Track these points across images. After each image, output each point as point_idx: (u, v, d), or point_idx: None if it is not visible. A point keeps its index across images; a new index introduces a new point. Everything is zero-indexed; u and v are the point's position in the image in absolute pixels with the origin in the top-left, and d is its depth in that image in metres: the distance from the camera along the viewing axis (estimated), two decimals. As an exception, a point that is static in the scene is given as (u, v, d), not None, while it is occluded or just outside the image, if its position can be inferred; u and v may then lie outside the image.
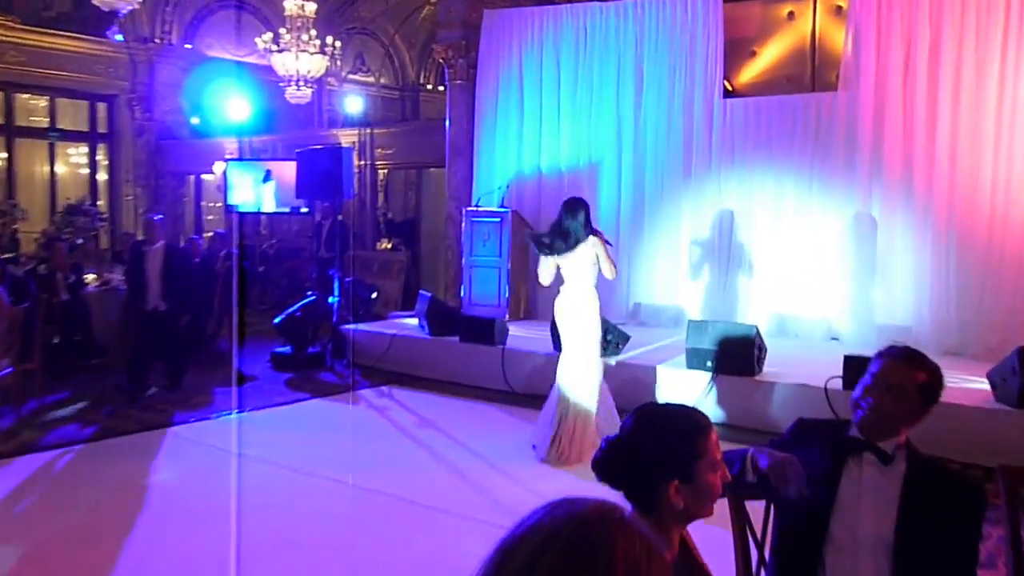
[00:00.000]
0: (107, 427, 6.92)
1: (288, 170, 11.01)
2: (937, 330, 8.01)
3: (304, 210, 12.70)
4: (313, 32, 14.18)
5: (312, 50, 14.12)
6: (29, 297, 7.59)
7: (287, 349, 9.56)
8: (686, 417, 1.93)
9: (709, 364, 6.97)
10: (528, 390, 7.89)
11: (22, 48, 14.92)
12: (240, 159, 14.73)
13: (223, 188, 13.94)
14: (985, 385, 6.21)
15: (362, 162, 14.33)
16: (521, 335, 8.82)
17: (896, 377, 2.42)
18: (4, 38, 14.70)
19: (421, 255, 14.40)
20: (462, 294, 10.34)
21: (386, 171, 15.12)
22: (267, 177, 12.69)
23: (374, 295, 11.82)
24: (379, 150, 14.46)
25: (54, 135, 16.11)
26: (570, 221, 6.05)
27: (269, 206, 12.86)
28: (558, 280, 6.26)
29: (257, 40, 14.36)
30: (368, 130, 14.59)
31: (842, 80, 8.61)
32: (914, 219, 8.22)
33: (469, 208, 10.36)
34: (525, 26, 10.51)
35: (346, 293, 9.67)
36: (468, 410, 7.65)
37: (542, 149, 10.49)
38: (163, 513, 5.08)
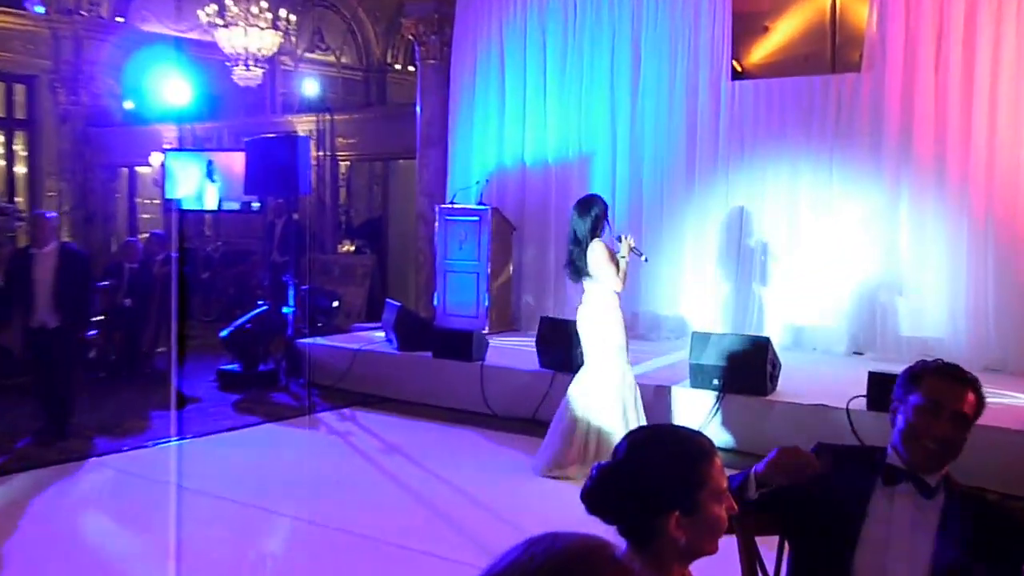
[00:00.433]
0: (21, 457, 6.85)
1: (236, 162, 10.97)
2: (974, 343, 8.09)
3: (255, 204, 12.64)
4: (264, 4, 14.15)
5: (263, 25, 14.09)
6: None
7: (235, 366, 9.52)
8: (687, 441, 1.93)
9: (715, 382, 7.00)
10: (511, 412, 7.89)
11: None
12: (181, 149, 14.66)
13: (161, 182, 13.86)
14: (1028, 405, 6.27)
15: (321, 153, 14.29)
16: (503, 350, 8.81)
17: (957, 401, 2.43)
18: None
19: (388, 259, 14.36)
20: (435, 303, 10.35)
21: (348, 163, 15.08)
22: (210, 170, 12.64)
23: (335, 304, 11.78)
24: (340, 139, 14.45)
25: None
26: (578, 223, 6.24)
27: (214, 203, 12.80)
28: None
29: (200, 13, 14.31)
30: (327, 116, 14.56)
31: (866, 59, 8.68)
32: (948, 216, 8.30)
33: (443, 205, 10.36)
34: (507, -2, 10.55)
35: (302, 302, 9.64)
36: (442, 435, 7.64)
37: (526, 139, 10.52)
38: (90, 557, 5.03)
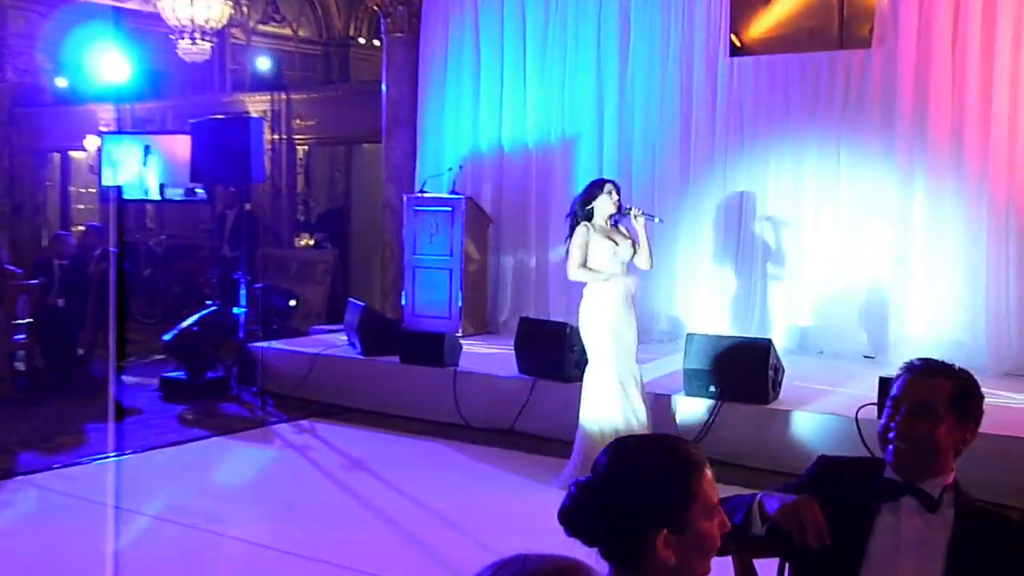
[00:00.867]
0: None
1: (181, 146, 10.92)
2: (994, 346, 8.15)
3: (199, 191, 12.59)
4: (212, -30, 14.08)
5: (212, -7, 14.01)
6: None
7: (180, 374, 9.47)
8: (674, 451, 1.93)
9: (712, 389, 7.02)
10: (487, 423, 7.89)
11: None
12: (119, 132, 14.57)
13: (98, 169, 13.78)
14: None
15: (276, 136, 14.25)
16: (479, 354, 8.82)
17: (918, 394, 2.48)
18: None
19: (351, 254, 14.33)
20: (403, 303, 10.34)
21: (306, 147, 15.02)
22: (152, 155, 12.58)
23: (292, 304, 11.75)
24: (297, 121, 14.40)
25: None
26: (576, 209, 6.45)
27: (156, 192, 12.74)
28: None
29: (141, -19, 14.23)
30: (283, 95, 14.50)
31: (877, 34, 8.74)
32: (965, 204, 8.35)
33: (412, 194, 10.35)
34: (482, -36, 10.56)
35: (256, 302, 9.62)
36: (411, 449, 7.63)
37: (504, 121, 10.52)
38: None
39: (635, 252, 6.44)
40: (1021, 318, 8.16)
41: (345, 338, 9.51)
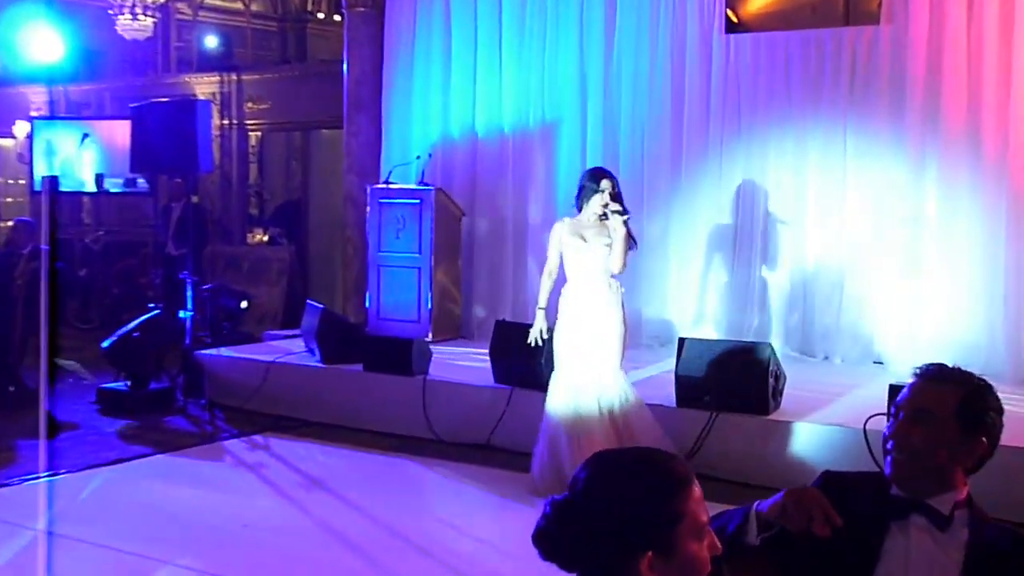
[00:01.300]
0: None
1: (120, 132, 10.89)
2: (1015, 349, 8.21)
3: (141, 182, 12.53)
4: (155, -61, 14.04)
5: (154, -36, 13.97)
6: None
7: (120, 385, 9.44)
8: (659, 466, 1.92)
9: (706, 399, 7.04)
10: (460, 437, 7.90)
11: None
12: (52, 117, 14.51)
13: (28, 158, 13.69)
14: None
15: (225, 121, 14.23)
16: (451, 362, 8.83)
17: (921, 400, 2.48)
18: None
19: (310, 251, 14.32)
20: (367, 305, 10.34)
21: (260, 133, 15.00)
22: (83, 143, 12.52)
23: (244, 307, 11.71)
24: (250, 104, 14.38)
25: None
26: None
27: (93, 183, 12.67)
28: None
29: (75, -50, 14.16)
30: (234, 76, 14.47)
31: (885, 9, 8.79)
32: (983, 193, 8.42)
33: (377, 185, 10.35)
34: (453, -69, 10.56)
35: (204, 305, 9.59)
36: (376, 467, 7.62)
37: (477, 104, 10.53)
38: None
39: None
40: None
41: (303, 344, 9.50)
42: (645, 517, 1.85)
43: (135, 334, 9.53)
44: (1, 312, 9.94)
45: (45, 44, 14.37)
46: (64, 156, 12.72)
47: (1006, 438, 2.58)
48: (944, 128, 8.50)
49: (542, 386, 7.38)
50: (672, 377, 7.28)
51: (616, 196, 6.48)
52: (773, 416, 6.99)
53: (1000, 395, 2.56)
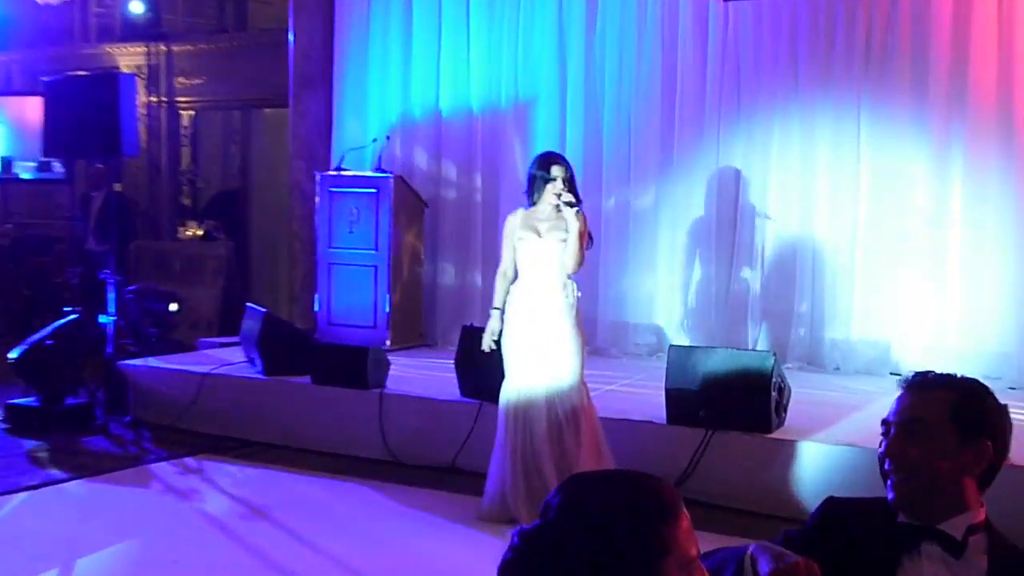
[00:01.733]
0: None
1: (31, 110, 10.82)
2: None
3: (56, 167, 12.47)
4: None
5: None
6: None
7: (31, 400, 9.36)
8: (644, 493, 1.90)
9: (701, 414, 7.04)
10: (421, 459, 7.89)
11: None
12: (-47, 93, 14.40)
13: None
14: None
15: (153, 98, 14.16)
16: (411, 373, 8.83)
17: (910, 410, 2.52)
18: None
19: (251, 247, 14.28)
20: (316, 308, 10.34)
21: (193, 113, 14.91)
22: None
23: (174, 310, 11.66)
24: (181, 79, 14.32)
25: None
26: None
27: (1, 167, 12.62)
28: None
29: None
30: (163, 46, 14.41)
31: (905, -28, 8.82)
32: (1016, 184, 8.48)
33: (327, 172, 10.34)
34: None
35: (128, 309, 9.54)
36: (326, 493, 7.58)
37: (442, 79, 10.55)
38: None
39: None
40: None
41: (242, 354, 9.48)
42: (626, 550, 1.83)
43: (48, 342, 9.46)
44: None
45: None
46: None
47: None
48: (972, 109, 8.55)
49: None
50: (661, 391, 7.26)
51: (570, 183, 6.49)
52: (776, 434, 6.98)
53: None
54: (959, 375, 2.59)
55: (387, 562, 6.24)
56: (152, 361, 9.57)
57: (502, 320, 6.69)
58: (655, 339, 9.59)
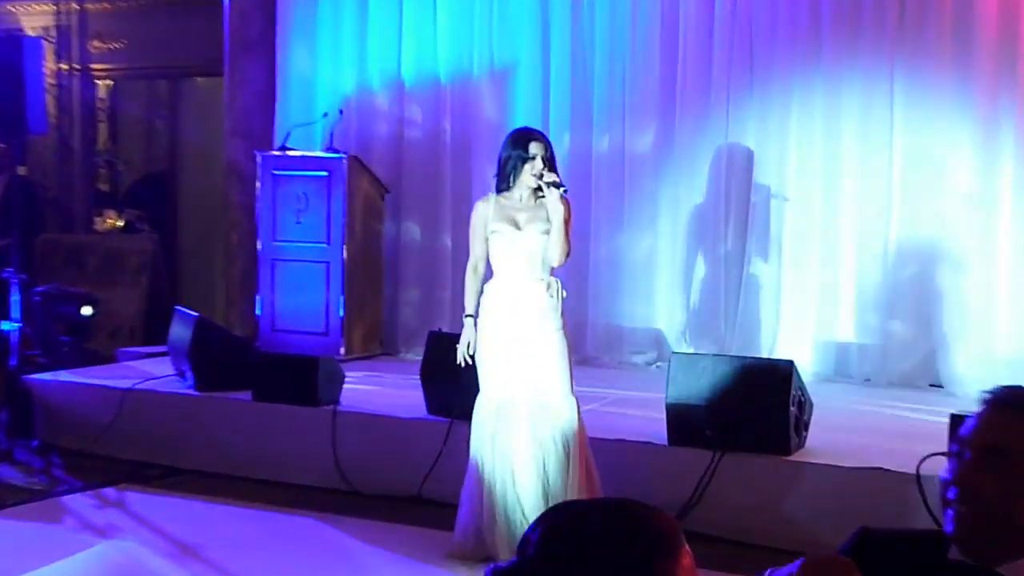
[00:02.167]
0: None
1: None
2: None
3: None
4: None
5: None
6: None
7: (-79, 421, 9.30)
8: (637, 525, 1.91)
9: (708, 433, 6.99)
10: (381, 488, 7.86)
11: None
12: None
13: None
14: None
15: (64, 65, 14.14)
16: (369, 387, 8.86)
17: (992, 435, 2.45)
18: None
19: (180, 241, 14.31)
20: (258, 312, 10.34)
21: (111, 83, 14.89)
22: None
23: (88, 313, 11.58)
24: (97, 43, 14.28)
25: None
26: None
27: None
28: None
29: None
30: (75, 4, 14.34)
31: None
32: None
33: (270, 152, 10.33)
34: None
35: (35, 313, 9.46)
36: (271, 528, 7.55)
37: (404, 45, 10.55)
38: None
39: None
40: None
41: (170, 366, 9.46)
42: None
43: (-58, 353, 9.43)
44: None
45: None
46: None
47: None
48: (1022, 77, 8.57)
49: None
50: (662, 405, 7.23)
51: (550, 164, 6.40)
52: (796, 456, 6.97)
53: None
54: None
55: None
56: (64, 375, 9.56)
57: (476, 328, 6.59)
58: (654, 346, 9.57)
